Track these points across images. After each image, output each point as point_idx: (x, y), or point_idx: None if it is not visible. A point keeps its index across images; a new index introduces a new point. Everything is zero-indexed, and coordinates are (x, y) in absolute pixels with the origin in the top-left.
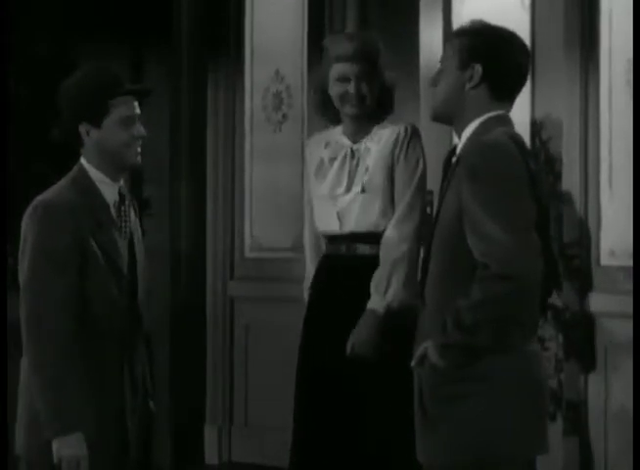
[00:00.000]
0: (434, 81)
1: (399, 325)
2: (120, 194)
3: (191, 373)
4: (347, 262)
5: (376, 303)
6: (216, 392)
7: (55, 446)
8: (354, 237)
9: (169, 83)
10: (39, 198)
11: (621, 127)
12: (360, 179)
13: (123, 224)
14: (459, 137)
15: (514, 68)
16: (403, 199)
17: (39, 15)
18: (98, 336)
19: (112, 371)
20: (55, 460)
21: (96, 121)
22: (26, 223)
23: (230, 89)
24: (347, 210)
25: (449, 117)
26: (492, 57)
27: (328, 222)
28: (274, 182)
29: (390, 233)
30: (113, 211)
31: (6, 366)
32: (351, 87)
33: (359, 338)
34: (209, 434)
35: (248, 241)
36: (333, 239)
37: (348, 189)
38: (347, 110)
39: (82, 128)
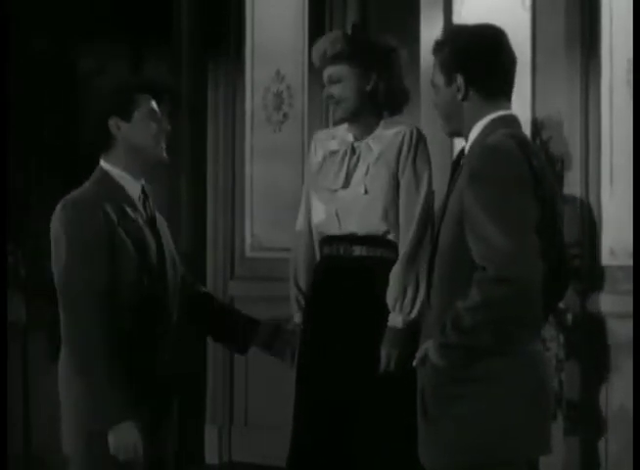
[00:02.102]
0: (435, 102)
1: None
2: (144, 191)
3: (191, 372)
4: (344, 264)
5: (397, 321)
6: (216, 391)
7: (110, 437)
8: (353, 239)
9: (170, 82)
10: (65, 198)
11: (622, 127)
12: (360, 178)
13: (149, 220)
14: (466, 140)
15: (497, 65)
16: (414, 216)
17: (39, 14)
18: (128, 326)
19: (142, 364)
20: (112, 451)
21: (126, 114)
22: (56, 222)
23: (230, 89)
24: (347, 210)
25: (459, 131)
26: (470, 64)
27: (326, 222)
28: (274, 182)
29: (407, 252)
30: (138, 205)
31: (6, 366)
32: (325, 91)
33: (392, 354)
34: (210, 433)
35: (248, 240)
36: (331, 240)
37: (346, 185)
38: (333, 113)
39: (112, 122)
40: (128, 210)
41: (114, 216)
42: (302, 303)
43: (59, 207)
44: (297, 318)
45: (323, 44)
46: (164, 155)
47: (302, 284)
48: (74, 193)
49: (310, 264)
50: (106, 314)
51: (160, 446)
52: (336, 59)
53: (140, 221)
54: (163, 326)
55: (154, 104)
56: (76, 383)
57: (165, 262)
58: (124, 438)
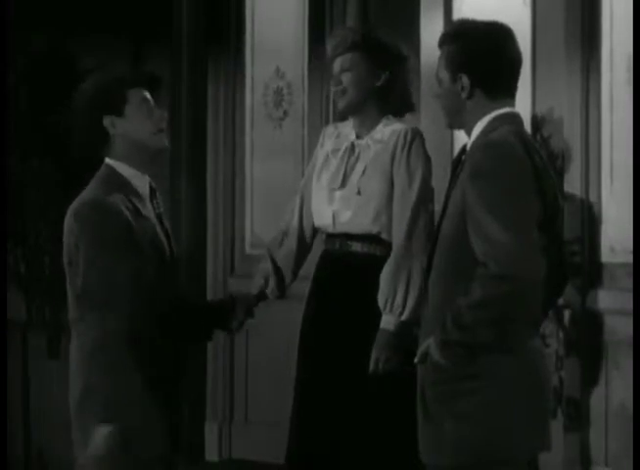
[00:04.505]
0: (437, 95)
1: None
2: (151, 187)
3: (191, 370)
4: (342, 259)
5: (388, 323)
6: (216, 388)
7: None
8: (348, 236)
9: (170, 79)
10: (79, 200)
11: (622, 124)
12: (356, 179)
13: (158, 215)
14: (469, 137)
15: (503, 66)
16: (405, 214)
17: (39, 12)
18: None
19: (153, 365)
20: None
21: (118, 111)
22: (75, 223)
23: (230, 85)
24: (342, 210)
25: (459, 125)
26: (476, 64)
27: (323, 219)
28: (275, 179)
29: (397, 252)
30: (147, 201)
31: (6, 366)
32: (333, 80)
33: (380, 357)
34: (210, 430)
35: (248, 237)
36: (328, 235)
37: (343, 185)
38: (336, 105)
39: (107, 121)
40: (139, 206)
41: (127, 214)
42: (270, 277)
43: (77, 207)
44: (254, 289)
45: (344, 32)
46: (164, 142)
47: (280, 270)
48: (89, 194)
49: (293, 258)
50: (131, 314)
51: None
52: (352, 47)
53: (151, 218)
54: (177, 320)
55: (145, 95)
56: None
57: (176, 258)
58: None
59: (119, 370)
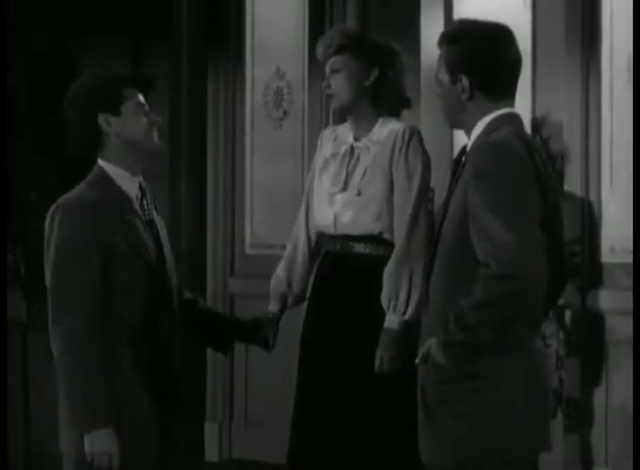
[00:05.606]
0: (439, 95)
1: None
2: (141, 188)
3: (191, 370)
4: (343, 260)
5: (392, 322)
6: (216, 388)
7: (87, 441)
8: (349, 238)
9: (170, 80)
10: (60, 198)
11: (622, 124)
12: (357, 181)
13: (147, 218)
14: (469, 137)
15: (503, 67)
16: (406, 212)
17: (39, 12)
18: (126, 328)
19: (142, 367)
20: (87, 456)
21: (115, 109)
22: (49, 224)
23: (230, 85)
24: (343, 212)
25: (460, 125)
26: (476, 66)
27: (324, 222)
28: (275, 179)
29: (399, 251)
30: (136, 204)
31: (6, 366)
32: (325, 82)
33: (385, 356)
34: (210, 430)
35: (248, 238)
36: (330, 237)
37: (345, 188)
38: (331, 104)
39: (102, 119)
40: (126, 212)
41: (111, 219)
42: (287, 299)
43: (53, 207)
44: (274, 307)
45: (330, 35)
46: (158, 143)
47: (295, 285)
48: (69, 194)
49: (307, 269)
50: (92, 316)
51: (166, 442)
52: (340, 49)
53: (137, 221)
54: (168, 324)
55: (140, 97)
56: (61, 385)
57: (165, 262)
58: (99, 445)
59: (114, 371)
